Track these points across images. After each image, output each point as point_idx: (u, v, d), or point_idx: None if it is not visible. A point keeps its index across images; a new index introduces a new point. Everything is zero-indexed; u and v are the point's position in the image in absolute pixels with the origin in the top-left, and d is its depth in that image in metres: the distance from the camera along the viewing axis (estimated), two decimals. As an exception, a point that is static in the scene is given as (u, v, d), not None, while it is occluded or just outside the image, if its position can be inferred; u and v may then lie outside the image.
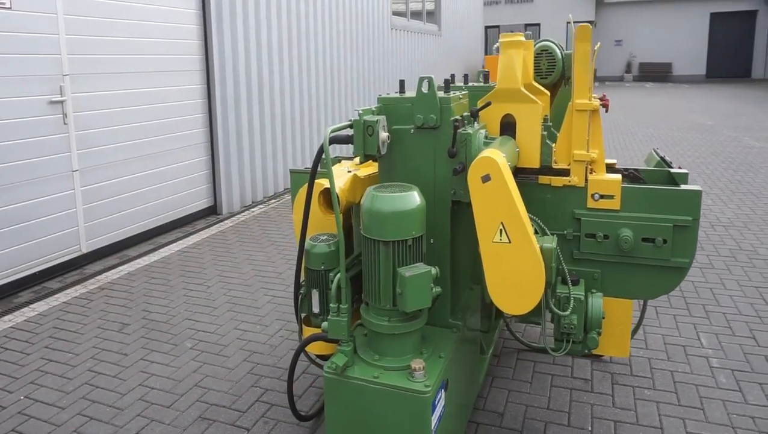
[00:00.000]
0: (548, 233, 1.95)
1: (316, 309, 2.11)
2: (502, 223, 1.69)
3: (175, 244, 5.06)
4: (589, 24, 1.94)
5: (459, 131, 1.76)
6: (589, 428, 2.38)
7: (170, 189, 5.30)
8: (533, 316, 2.62)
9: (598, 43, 1.97)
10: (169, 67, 5.10)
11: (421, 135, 1.85)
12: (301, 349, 2.00)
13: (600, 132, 1.99)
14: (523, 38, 2.06)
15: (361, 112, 1.78)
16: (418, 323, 1.78)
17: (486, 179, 1.66)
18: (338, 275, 1.78)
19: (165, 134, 5.15)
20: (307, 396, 2.69)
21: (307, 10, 7.05)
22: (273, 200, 6.53)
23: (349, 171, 2.10)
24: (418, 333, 1.81)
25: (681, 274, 2.03)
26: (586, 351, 2.05)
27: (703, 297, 3.57)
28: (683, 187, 1.97)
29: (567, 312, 1.90)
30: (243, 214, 5.99)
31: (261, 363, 3.00)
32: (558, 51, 2.60)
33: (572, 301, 1.92)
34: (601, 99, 2.09)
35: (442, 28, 12.38)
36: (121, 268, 4.48)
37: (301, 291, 2.15)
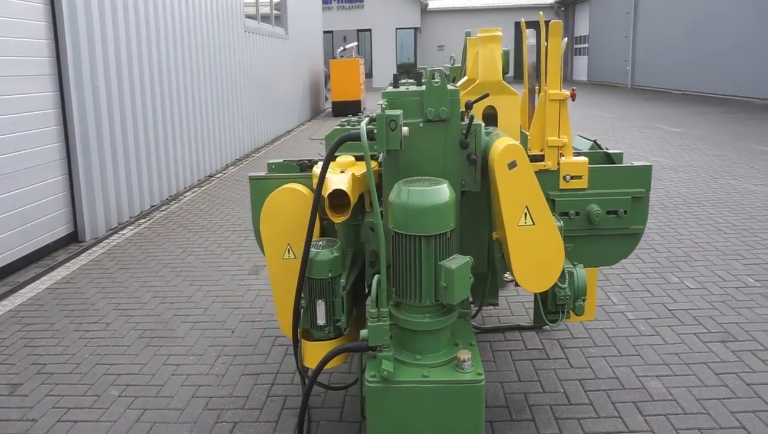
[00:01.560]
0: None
1: (321, 321, 1.97)
2: (526, 207, 1.76)
3: (38, 281, 4.24)
4: (559, 21, 2.12)
5: (474, 122, 1.79)
6: (562, 390, 2.60)
7: (18, 219, 4.41)
8: (491, 298, 2.78)
9: (565, 38, 2.17)
10: (8, 71, 4.23)
11: (431, 128, 1.84)
12: (323, 364, 1.85)
13: (568, 119, 2.19)
14: (500, 33, 2.17)
15: (384, 105, 1.71)
16: (455, 315, 1.77)
17: (512, 165, 1.72)
18: (376, 277, 1.68)
19: (5, 153, 4.26)
20: (284, 420, 2.48)
21: (165, 9, 6.42)
22: (142, 220, 5.83)
23: (343, 171, 1.99)
24: (450, 326, 1.81)
25: (637, 239, 2.33)
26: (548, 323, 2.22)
27: (596, 263, 4.11)
28: (636, 163, 2.27)
29: (565, 285, 2.06)
30: (112, 238, 5.25)
31: (214, 395, 2.69)
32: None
33: (566, 274, 2.08)
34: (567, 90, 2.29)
35: (289, 32, 12.22)
36: (-25, 319, 3.61)
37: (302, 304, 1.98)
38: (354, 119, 2.34)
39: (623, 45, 20.65)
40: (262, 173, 2.37)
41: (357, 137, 1.73)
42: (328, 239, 2.01)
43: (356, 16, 25.66)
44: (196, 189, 7.19)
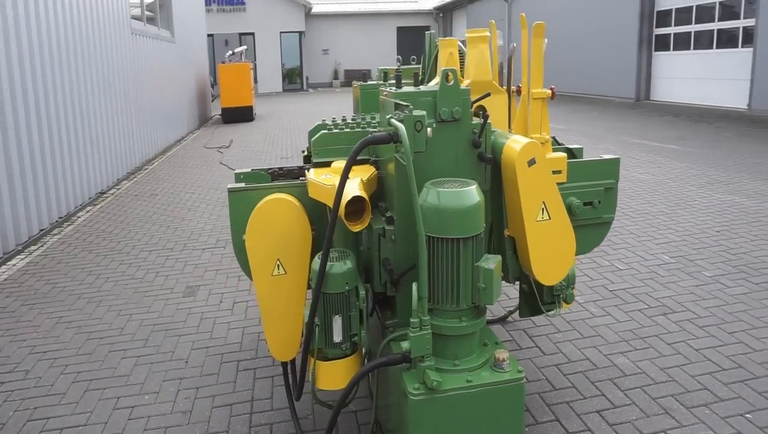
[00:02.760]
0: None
1: (338, 338, 1.85)
2: (543, 202, 1.80)
3: None
4: (542, 23, 2.19)
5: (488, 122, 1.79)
6: (543, 377, 2.70)
7: None
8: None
9: (545, 40, 2.25)
10: None
11: (444, 128, 1.80)
12: (357, 382, 1.72)
13: (547, 116, 2.28)
14: (488, 33, 2.19)
15: (411, 106, 1.63)
16: (485, 316, 1.75)
17: (532, 162, 1.75)
18: (414, 285, 1.61)
19: None
20: (278, 450, 2.29)
21: (47, 9, 5.65)
22: (33, 247, 5.09)
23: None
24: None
25: (608, 227, 2.49)
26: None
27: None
28: (606, 157, 2.42)
29: (564, 275, 2.14)
30: (1, 271, 4.51)
31: (188, 435, 2.41)
32: (464, 48, 2.81)
33: (562, 265, 2.16)
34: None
35: (175, 34, 11.42)
36: None
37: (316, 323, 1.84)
38: (339, 120, 2.23)
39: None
40: (241, 184, 2.17)
41: (383, 140, 1.64)
42: (339, 250, 1.89)
43: (238, 19, 24.67)
44: (89, 208, 6.44)
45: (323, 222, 2.15)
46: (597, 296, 3.54)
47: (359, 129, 2.16)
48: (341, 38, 28.31)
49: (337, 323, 1.82)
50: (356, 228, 1.75)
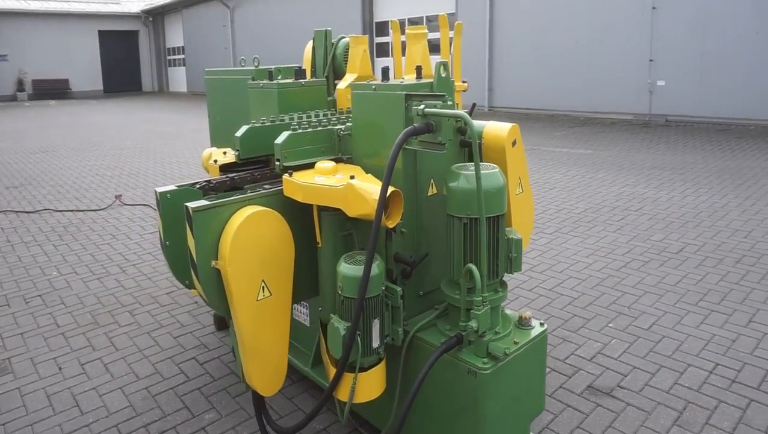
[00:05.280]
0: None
1: (376, 343, 1.77)
2: (520, 178, 2.06)
3: None
4: (461, 22, 2.40)
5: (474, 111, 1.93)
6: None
7: None
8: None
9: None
10: None
11: (438, 117, 1.88)
12: (422, 379, 1.66)
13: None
14: (425, 30, 2.29)
15: (446, 96, 1.64)
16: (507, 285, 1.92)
17: (514, 143, 1.98)
18: (473, 267, 1.66)
19: None
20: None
21: None
22: None
23: (352, 177, 1.78)
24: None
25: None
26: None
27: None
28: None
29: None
30: None
31: None
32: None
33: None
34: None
35: None
36: None
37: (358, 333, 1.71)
38: (297, 118, 2.04)
39: (224, 56, 21.71)
40: (203, 202, 1.81)
41: (423, 130, 1.64)
42: (359, 252, 1.79)
43: None
44: None
45: (305, 228, 1.98)
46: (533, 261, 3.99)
47: (321, 127, 2.04)
48: (27, 42, 23.34)
49: (376, 327, 1.74)
50: (392, 224, 1.70)
